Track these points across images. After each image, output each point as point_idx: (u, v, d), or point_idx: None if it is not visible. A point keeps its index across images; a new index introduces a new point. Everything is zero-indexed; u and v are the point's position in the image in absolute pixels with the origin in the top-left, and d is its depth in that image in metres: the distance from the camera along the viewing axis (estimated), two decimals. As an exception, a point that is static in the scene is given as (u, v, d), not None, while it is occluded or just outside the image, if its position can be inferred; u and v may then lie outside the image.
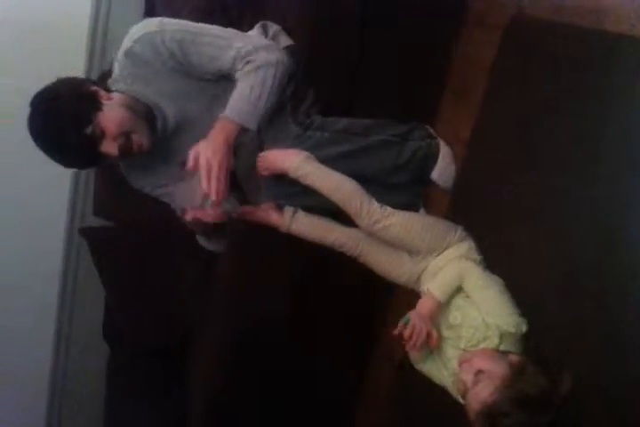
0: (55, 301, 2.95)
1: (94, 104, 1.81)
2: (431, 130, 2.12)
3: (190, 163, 1.76)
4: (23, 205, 2.76)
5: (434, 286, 1.81)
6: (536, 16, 1.86)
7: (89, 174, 2.82)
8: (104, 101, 1.83)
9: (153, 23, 1.88)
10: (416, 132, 2.09)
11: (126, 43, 1.88)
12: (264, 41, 1.97)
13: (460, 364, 1.64)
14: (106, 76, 2.64)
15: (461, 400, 1.67)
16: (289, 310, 2.27)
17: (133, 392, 2.83)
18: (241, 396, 2.44)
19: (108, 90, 1.90)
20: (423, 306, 1.79)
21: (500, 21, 1.95)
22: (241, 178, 2.11)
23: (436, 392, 1.87)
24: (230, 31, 1.94)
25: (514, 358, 1.60)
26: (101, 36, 2.79)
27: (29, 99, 2.64)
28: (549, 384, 1.52)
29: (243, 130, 1.85)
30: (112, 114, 1.82)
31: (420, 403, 2.12)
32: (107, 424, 2.91)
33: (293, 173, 1.92)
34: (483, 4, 2.05)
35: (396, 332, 1.77)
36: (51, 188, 2.79)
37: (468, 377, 1.58)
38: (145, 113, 1.92)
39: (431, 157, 2.09)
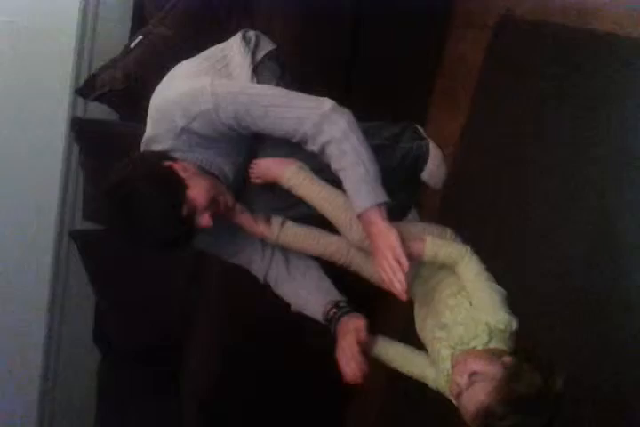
0: (45, 304, 2.93)
1: (180, 184, 1.71)
2: (421, 130, 2.12)
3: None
4: (13, 208, 2.75)
5: (434, 242, 1.78)
6: (524, 16, 1.86)
7: (78, 178, 2.81)
8: (183, 175, 1.73)
9: (206, 98, 1.76)
10: (406, 134, 2.08)
11: (178, 118, 1.76)
12: (324, 105, 1.78)
13: (454, 366, 1.64)
14: (93, 81, 2.66)
15: (455, 402, 1.67)
16: (281, 311, 2.26)
17: (125, 396, 2.82)
18: (233, 400, 2.44)
19: (174, 159, 1.79)
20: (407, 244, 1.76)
21: (488, 22, 1.95)
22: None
23: (429, 395, 1.87)
24: (286, 96, 1.82)
25: (507, 358, 1.60)
26: (89, 42, 2.79)
27: (18, 105, 2.68)
28: (544, 385, 1.52)
29: (383, 206, 1.73)
30: (198, 187, 1.73)
31: (413, 406, 2.12)
32: (98, 428, 2.91)
33: (285, 183, 1.91)
34: (471, 5, 2.06)
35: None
36: (40, 191, 2.78)
37: (461, 379, 1.57)
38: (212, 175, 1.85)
39: (421, 159, 2.08)
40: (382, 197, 1.73)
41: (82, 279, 2.77)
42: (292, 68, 2.02)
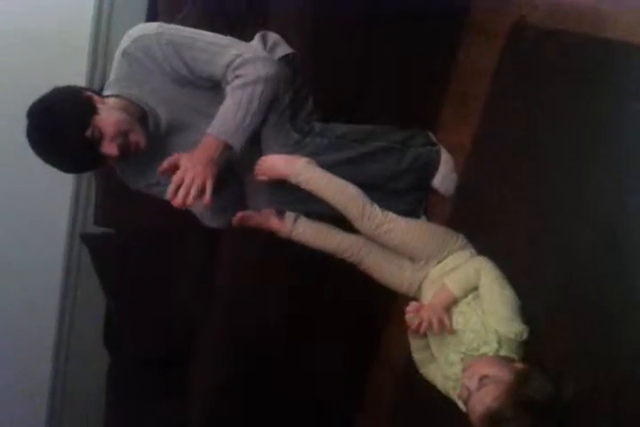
0: (56, 307, 2.95)
1: (90, 108, 1.86)
2: (432, 136, 2.13)
3: (164, 165, 1.85)
4: (25, 212, 2.77)
5: (452, 280, 1.81)
6: (537, 24, 1.86)
7: (90, 182, 2.83)
8: (99, 105, 1.88)
9: (151, 26, 1.93)
10: (417, 139, 2.09)
11: (123, 43, 1.93)
12: (261, 52, 1.98)
13: (464, 370, 1.64)
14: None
15: (463, 407, 1.66)
16: (288, 315, 2.27)
17: (133, 399, 2.83)
18: (240, 402, 2.44)
19: (102, 96, 1.95)
20: (437, 298, 1.79)
21: (500, 29, 1.95)
22: (243, 183, 2.12)
23: (438, 401, 1.87)
24: (228, 39, 1.96)
25: (519, 364, 1.60)
26: (102, 49, 2.81)
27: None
28: (554, 392, 1.51)
29: (227, 147, 1.88)
30: (108, 116, 1.86)
31: (422, 411, 2.11)
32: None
33: (294, 179, 1.92)
34: (484, 12, 2.06)
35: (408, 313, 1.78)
36: (52, 195, 2.80)
37: (471, 382, 1.57)
38: (138, 115, 1.96)
39: (432, 164, 2.09)
40: (235, 142, 1.87)
41: (92, 282, 2.77)
42: (304, 72, 2.03)
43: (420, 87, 2.13)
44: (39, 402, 3.05)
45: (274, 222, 2.03)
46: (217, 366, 2.46)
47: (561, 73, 1.74)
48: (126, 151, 1.90)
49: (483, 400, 1.52)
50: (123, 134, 1.88)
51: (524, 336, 1.67)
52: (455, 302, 1.79)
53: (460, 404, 1.70)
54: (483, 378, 1.56)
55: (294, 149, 2.00)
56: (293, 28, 2.13)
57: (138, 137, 1.92)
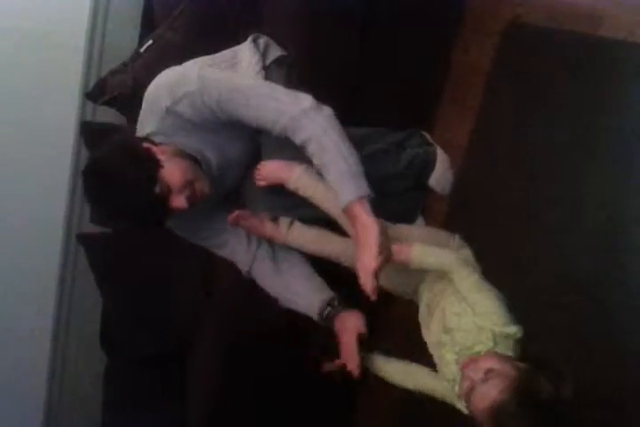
0: (52, 308, 2.94)
1: (154, 162, 1.78)
2: (428, 136, 2.12)
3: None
4: (20, 211, 2.76)
5: (420, 248, 1.78)
6: (533, 23, 1.86)
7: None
8: (160, 157, 1.80)
9: (192, 79, 1.82)
10: (413, 140, 2.09)
11: (164, 98, 1.83)
12: (304, 101, 1.83)
13: (466, 365, 1.63)
14: (102, 86, 2.67)
15: (458, 405, 1.67)
16: (286, 316, 2.26)
17: (130, 401, 2.82)
18: (239, 404, 2.43)
19: (156, 143, 1.86)
20: (397, 249, 1.75)
21: (496, 28, 1.95)
22: (241, 188, 2.12)
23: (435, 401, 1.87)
24: (268, 87, 1.88)
25: (521, 363, 1.60)
26: (98, 47, 2.79)
27: (27, 110, 2.69)
28: (555, 391, 1.51)
29: (367, 199, 1.76)
30: (173, 168, 1.79)
31: (419, 408, 2.11)
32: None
33: (292, 185, 1.92)
34: (479, 11, 2.06)
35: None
36: (48, 194, 2.79)
37: (476, 374, 1.57)
38: (192, 160, 1.89)
39: (428, 164, 2.09)
40: (365, 190, 1.75)
41: (89, 282, 2.77)
42: (299, 72, 2.03)
43: (416, 86, 2.13)
44: (36, 402, 3.04)
45: (268, 227, 2.03)
46: (215, 365, 2.45)
47: (556, 71, 1.74)
48: (193, 202, 1.83)
49: (489, 393, 1.51)
50: (190, 185, 1.81)
51: (519, 335, 1.67)
52: (405, 265, 1.76)
53: (459, 405, 1.71)
54: (488, 371, 1.55)
55: (293, 154, 2.00)
56: (289, 28, 2.13)
57: (204, 185, 1.85)
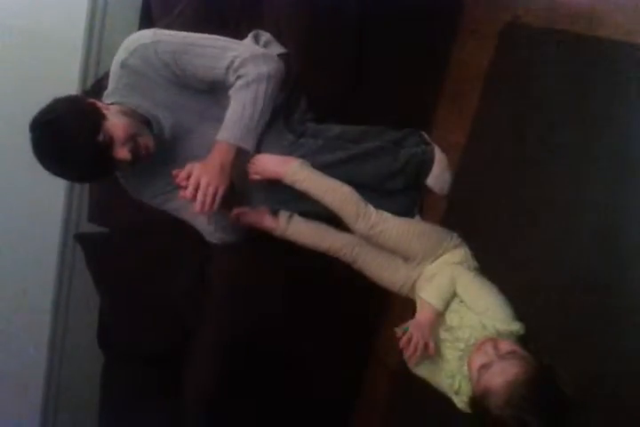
0: (49, 307, 2.94)
1: (98, 114, 1.84)
2: (425, 136, 2.13)
3: (181, 176, 1.84)
4: (17, 210, 2.75)
5: (429, 295, 1.81)
6: (530, 22, 1.86)
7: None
8: (104, 111, 1.86)
9: (147, 35, 1.91)
10: (410, 139, 2.09)
11: (121, 54, 1.91)
12: (259, 49, 1.98)
13: (484, 342, 1.64)
14: (100, 85, 2.67)
15: (455, 399, 1.68)
16: (284, 316, 2.27)
17: (128, 400, 2.82)
18: (236, 403, 2.44)
19: (104, 103, 1.94)
20: (422, 315, 1.79)
21: (494, 28, 1.96)
22: (235, 183, 2.11)
23: (433, 400, 1.87)
24: (224, 40, 1.96)
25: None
26: (96, 46, 2.79)
27: (24, 108, 2.67)
28: (567, 390, 1.52)
29: (240, 150, 1.87)
30: (116, 121, 1.85)
31: (417, 410, 2.12)
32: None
33: (289, 178, 1.92)
34: (478, 11, 2.06)
35: (399, 338, 1.77)
36: (45, 193, 2.79)
37: (496, 352, 1.59)
38: (142, 120, 1.95)
39: (426, 164, 2.09)
40: (247, 144, 1.88)
41: (86, 282, 2.77)
42: (297, 71, 2.03)
43: (414, 87, 2.14)
44: (34, 402, 3.04)
45: (268, 221, 2.03)
46: (213, 365, 2.45)
47: (554, 72, 1.74)
48: (137, 155, 1.88)
49: (508, 369, 1.53)
50: (132, 138, 1.87)
51: (521, 331, 1.68)
52: (439, 314, 1.79)
53: (456, 398, 1.71)
54: (511, 352, 1.57)
55: (288, 149, 2.00)
56: (288, 26, 2.13)
57: (147, 140, 1.91)
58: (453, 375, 1.74)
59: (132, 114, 1.92)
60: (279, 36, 2.15)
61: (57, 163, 1.83)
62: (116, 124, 1.84)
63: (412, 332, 1.75)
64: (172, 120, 1.99)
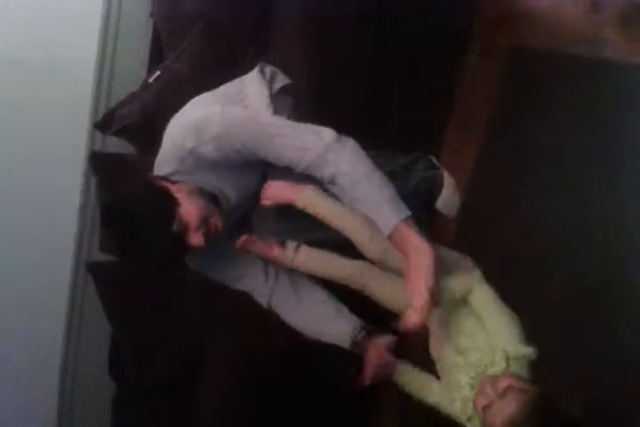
0: (61, 336, 2.93)
1: (171, 201, 1.79)
2: (434, 160, 2.15)
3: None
4: (29, 238, 2.77)
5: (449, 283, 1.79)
6: (536, 47, 1.89)
7: (95, 209, 2.84)
8: (177, 195, 1.81)
9: (217, 121, 1.84)
10: (420, 164, 2.11)
11: (189, 141, 1.84)
12: (322, 138, 1.82)
13: (484, 382, 1.63)
14: (112, 116, 2.70)
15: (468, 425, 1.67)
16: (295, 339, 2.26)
17: (139, 428, 2.80)
18: (250, 423, 2.42)
19: (173, 182, 1.88)
20: None
21: (501, 54, 1.98)
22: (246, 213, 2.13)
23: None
24: (294, 127, 1.88)
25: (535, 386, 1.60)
26: (107, 77, 2.84)
27: (36, 137, 2.72)
28: (567, 412, 1.51)
29: (409, 219, 1.75)
30: (190, 206, 1.80)
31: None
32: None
33: (301, 203, 1.92)
34: (484, 37, 2.09)
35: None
36: (58, 223, 2.81)
37: (495, 391, 1.57)
38: (209, 197, 1.90)
39: (435, 188, 2.10)
40: (406, 211, 1.74)
41: (98, 311, 2.77)
42: (308, 98, 2.06)
43: (424, 110, 2.16)
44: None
45: (276, 251, 2.03)
46: (225, 385, 2.44)
47: (561, 94, 1.76)
48: (209, 237, 1.84)
49: (507, 407, 1.52)
50: (205, 221, 1.82)
51: (534, 356, 1.67)
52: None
53: (468, 425, 1.70)
54: (507, 388, 1.56)
55: (300, 177, 2.01)
56: (297, 56, 2.16)
57: (218, 221, 1.86)
58: (466, 402, 1.73)
59: (199, 192, 1.87)
60: (287, 66, 2.18)
61: (131, 252, 1.82)
62: (189, 210, 1.79)
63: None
64: (237, 190, 1.96)
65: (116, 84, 2.84)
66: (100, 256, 2.82)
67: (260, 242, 2.04)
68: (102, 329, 2.86)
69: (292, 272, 2.08)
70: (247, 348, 2.40)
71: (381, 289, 2.01)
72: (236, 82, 2.17)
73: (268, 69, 2.17)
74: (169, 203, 1.78)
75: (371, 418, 2.55)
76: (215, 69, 2.52)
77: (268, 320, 2.28)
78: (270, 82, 2.12)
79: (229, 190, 1.94)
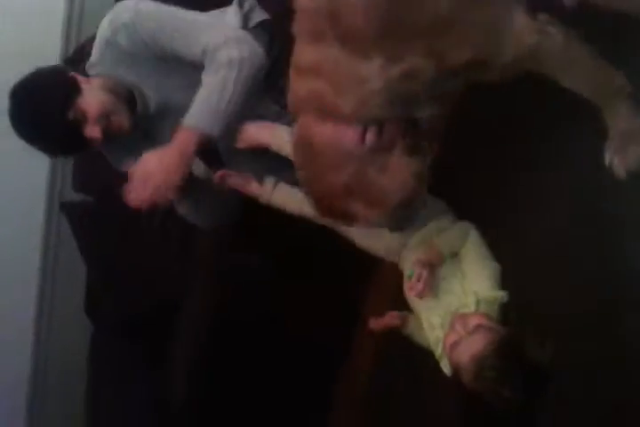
0: (36, 276, 2.93)
1: (74, 89, 1.81)
2: None
3: (134, 169, 1.79)
4: (2, 179, 2.74)
5: (442, 240, 1.79)
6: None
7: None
8: (83, 86, 1.83)
9: (128, 8, 1.86)
10: None
11: (104, 31, 1.88)
12: (235, 32, 1.92)
13: (455, 320, 1.65)
14: (82, 52, 2.63)
15: (441, 363, 1.69)
16: (272, 284, 2.28)
17: (116, 368, 2.84)
18: (221, 376, 2.45)
19: (87, 75, 1.90)
20: (427, 256, 1.78)
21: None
22: (221, 152, 2.10)
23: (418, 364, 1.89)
24: (203, 20, 1.93)
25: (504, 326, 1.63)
26: (78, 12, 2.78)
27: (6, 72, 2.64)
28: (539, 351, 1.54)
29: (205, 137, 1.80)
30: (92, 97, 1.81)
31: (402, 374, 2.13)
32: (89, 402, 2.91)
33: (276, 146, 1.91)
34: None
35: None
36: (31, 161, 2.76)
37: (463, 329, 1.60)
38: (125, 95, 1.91)
39: None
40: (214, 130, 1.79)
41: (72, 251, 2.77)
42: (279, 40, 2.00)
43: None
44: (21, 371, 3.04)
45: (254, 186, 2.02)
46: (199, 337, 2.46)
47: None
48: (109, 134, 1.85)
49: (474, 344, 1.54)
50: (106, 117, 1.83)
51: (504, 299, 1.69)
52: (442, 262, 1.79)
53: (441, 363, 1.73)
54: (476, 327, 1.58)
55: (274, 119, 1.99)
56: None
57: (122, 119, 1.87)
58: (438, 342, 1.76)
59: (114, 88, 1.88)
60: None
61: (27, 134, 1.83)
62: (90, 101, 1.81)
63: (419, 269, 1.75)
64: (157, 95, 1.95)
65: (87, 18, 2.77)
66: (73, 197, 2.80)
67: (237, 176, 2.03)
68: (78, 268, 2.86)
69: None
70: (222, 289, 2.41)
71: (356, 230, 2.01)
72: (215, 13, 2.13)
73: (247, 3, 2.12)
74: (71, 89, 1.80)
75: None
76: (190, 4, 2.45)
77: (245, 264, 2.30)
78: (247, 15, 2.07)
79: (149, 90, 1.94)
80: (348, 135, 1.38)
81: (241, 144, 1.96)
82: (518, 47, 1.35)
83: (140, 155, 1.99)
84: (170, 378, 2.64)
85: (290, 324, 2.40)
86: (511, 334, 1.57)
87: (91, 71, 1.94)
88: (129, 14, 1.84)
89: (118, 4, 1.92)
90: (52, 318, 3.04)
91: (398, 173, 1.42)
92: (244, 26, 2.04)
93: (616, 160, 1.50)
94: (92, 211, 2.81)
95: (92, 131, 1.82)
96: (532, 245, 1.72)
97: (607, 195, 1.55)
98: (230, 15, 2.07)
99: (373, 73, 1.32)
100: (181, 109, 1.93)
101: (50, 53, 2.72)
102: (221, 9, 2.12)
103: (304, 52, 1.40)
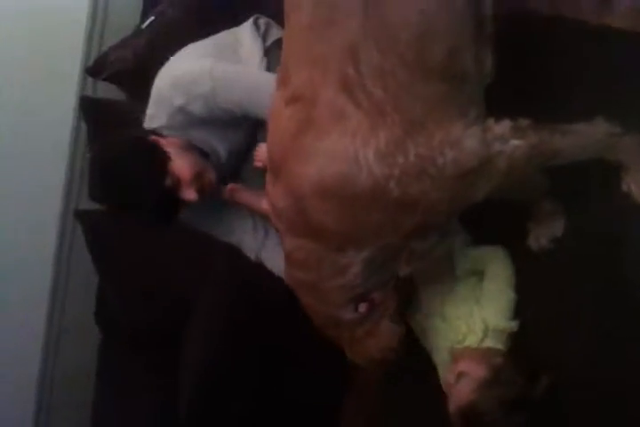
0: (48, 283, 2.93)
1: (163, 156, 1.79)
2: None
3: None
4: (19, 187, 2.75)
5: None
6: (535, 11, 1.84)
7: (84, 158, 2.81)
8: (168, 149, 1.81)
9: (203, 77, 1.83)
10: None
11: (177, 98, 1.85)
12: None
13: (454, 359, 1.69)
14: (103, 61, 2.65)
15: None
16: (287, 294, 2.26)
17: (124, 377, 2.82)
18: (233, 382, 2.44)
19: (163, 135, 1.88)
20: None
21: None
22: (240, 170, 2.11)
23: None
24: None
25: (495, 360, 1.63)
26: (100, 23, 2.80)
27: (27, 81, 2.67)
28: (526, 385, 1.56)
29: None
30: (182, 161, 1.80)
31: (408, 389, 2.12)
32: (96, 411, 2.90)
33: None
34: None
35: None
36: (47, 170, 2.79)
37: (451, 377, 1.65)
38: (200, 151, 1.92)
39: None
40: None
41: (85, 259, 2.76)
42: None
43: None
44: (30, 377, 3.04)
45: (265, 204, 2.02)
46: (209, 345, 2.45)
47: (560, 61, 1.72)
48: (203, 192, 1.85)
49: (459, 395, 1.60)
50: (199, 176, 1.83)
51: (514, 328, 1.70)
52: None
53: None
54: (459, 374, 1.61)
55: None
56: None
57: (211, 175, 1.87)
58: (443, 364, 1.76)
59: (192, 146, 1.88)
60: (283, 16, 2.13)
61: (124, 207, 1.87)
62: (182, 165, 1.79)
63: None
64: (225, 146, 1.98)
65: (109, 28, 2.80)
66: (88, 205, 2.80)
67: (248, 192, 2.03)
68: (90, 278, 2.86)
69: None
70: (234, 300, 2.40)
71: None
72: (229, 33, 2.13)
73: (263, 22, 2.13)
74: (160, 158, 1.78)
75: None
76: (210, 17, 2.46)
77: (257, 272, 2.29)
78: (264, 35, 2.08)
79: (219, 146, 1.94)
80: None
81: (258, 164, 1.96)
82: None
83: (219, 209, 2.04)
84: (179, 389, 2.63)
85: (299, 335, 2.39)
86: (494, 376, 1.59)
87: (151, 124, 1.92)
88: (207, 86, 1.82)
89: (186, 65, 1.90)
90: (62, 327, 3.04)
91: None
92: (263, 45, 2.05)
93: (633, 186, 1.51)
94: (107, 219, 2.81)
95: (189, 194, 1.82)
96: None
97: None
98: (247, 36, 2.06)
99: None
100: (242, 149, 1.95)
101: (71, 62, 2.75)
102: (233, 30, 2.13)
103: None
